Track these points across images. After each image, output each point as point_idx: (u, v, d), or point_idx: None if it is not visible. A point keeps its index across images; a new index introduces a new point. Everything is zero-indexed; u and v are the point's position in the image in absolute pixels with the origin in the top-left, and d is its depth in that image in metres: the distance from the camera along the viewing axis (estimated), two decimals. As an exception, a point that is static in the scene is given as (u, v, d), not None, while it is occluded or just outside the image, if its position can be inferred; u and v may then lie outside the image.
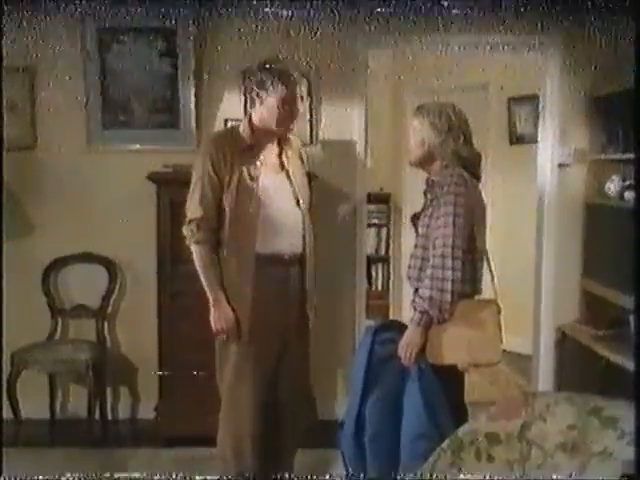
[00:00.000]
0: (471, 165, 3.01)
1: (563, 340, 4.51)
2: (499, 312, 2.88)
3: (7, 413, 4.16)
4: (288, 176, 3.25)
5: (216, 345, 3.31)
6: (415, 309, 2.86)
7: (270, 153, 3.24)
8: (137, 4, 4.20)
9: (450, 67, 5.75)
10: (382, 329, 3.09)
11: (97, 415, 4.30)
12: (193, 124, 4.37)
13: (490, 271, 3.00)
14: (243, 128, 3.22)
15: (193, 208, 3.14)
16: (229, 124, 4.21)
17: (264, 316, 3.13)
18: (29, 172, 4.42)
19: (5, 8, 4.17)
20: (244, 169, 3.12)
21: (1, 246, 3.87)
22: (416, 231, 3.05)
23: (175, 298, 4.07)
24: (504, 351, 2.88)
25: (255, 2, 4.27)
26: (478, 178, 3.04)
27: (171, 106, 4.37)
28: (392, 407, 2.90)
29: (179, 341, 4.06)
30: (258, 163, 3.17)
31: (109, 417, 4.45)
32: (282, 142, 3.28)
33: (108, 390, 4.48)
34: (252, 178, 3.12)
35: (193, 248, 3.17)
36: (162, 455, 3.97)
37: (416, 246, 3.00)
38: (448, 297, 2.76)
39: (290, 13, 4.28)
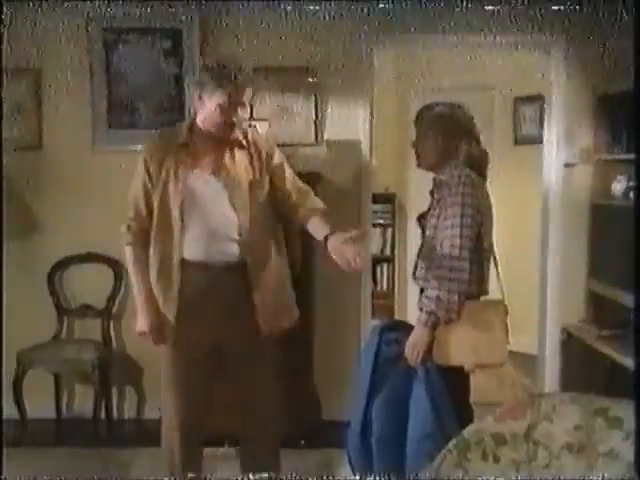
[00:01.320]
0: (479, 165, 2.99)
1: (568, 340, 4.51)
2: (506, 313, 2.87)
3: (13, 412, 4.18)
4: (224, 180, 2.97)
5: None
6: (422, 309, 2.84)
7: (208, 154, 2.99)
8: (142, 5, 4.21)
9: (455, 67, 5.75)
10: (388, 329, 3.09)
11: (103, 415, 4.31)
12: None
13: (497, 272, 2.98)
14: (183, 126, 3.05)
15: (128, 211, 3.02)
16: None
17: (191, 324, 2.98)
18: (35, 172, 4.43)
19: (11, 9, 4.21)
20: (173, 169, 2.94)
21: (1, 246, 3.88)
22: (422, 231, 3.03)
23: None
24: (510, 351, 2.88)
25: (260, 1, 4.28)
26: (485, 177, 3.02)
27: (176, 106, 4.38)
28: (398, 407, 2.89)
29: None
30: (189, 163, 2.96)
31: (115, 417, 4.45)
32: (229, 144, 3.02)
33: (114, 390, 4.48)
34: (179, 179, 2.92)
35: (125, 249, 3.05)
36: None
37: (422, 246, 2.99)
38: (455, 298, 2.75)
39: (295, 12, 4.29)
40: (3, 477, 2.20)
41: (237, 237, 2.95)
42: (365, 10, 4.29)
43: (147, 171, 2.96)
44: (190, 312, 2.96)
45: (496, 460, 2.03)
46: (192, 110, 3.04)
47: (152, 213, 2.97)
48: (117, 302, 4.47)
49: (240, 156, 3.02)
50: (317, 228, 3.00)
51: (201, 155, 2.98)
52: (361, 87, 4.42)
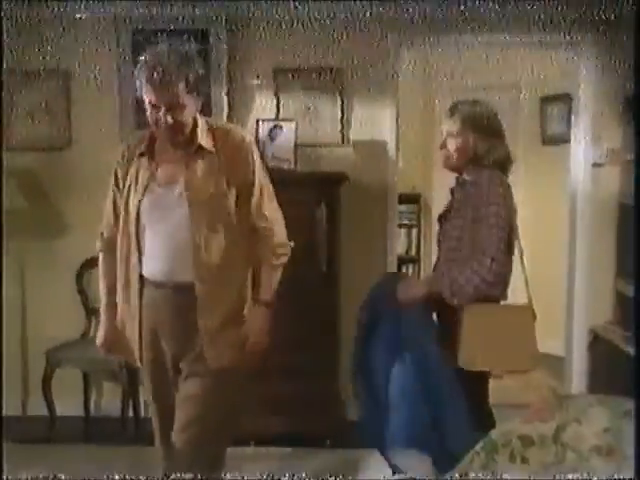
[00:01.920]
0: (504, 165, 2.98)
1: (595, 341, 4.48)
2: (534, 318, 2.86)
3: (42, 410, 4.23)
4: (182, 192, 2.59)
5: None
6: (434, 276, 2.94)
7: (167, 162, 2.64)
8: (170, 6, 4.24)
9: (482, 67, 5.73)
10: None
11: (130, 413, 4.34)
12: (224, 125, 4.39)
13: (524, 276, 2.96)
14: (146, 132, 2.70)
15: (103, 219, 2.85)
16: (261, 124, 4.22)
17: (150, 342, 2.70)
18: (63, 172, 4.48)
19: (39, 10, 4.26)
20: (134, 179, 2.65)
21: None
22: (441, 230, 3.04)
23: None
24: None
25: (286, 2, 4.30)
26: (507, 177, 3.01)
27: (204, 107, 4.37)
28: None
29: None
30: (147, 173, 2.64)
31: (142, 415, 4.47)
32: (191, 149, 2.61)
33: (141, 388, 4.51)
34: (137, 190, 2.63)
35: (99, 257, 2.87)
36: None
37: (442, 245, 3.00)
38: (471, 290, 2.72)
39: (322, 13, 4.30)
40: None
41: (190, 257, 2.58)
42: (392, 10, 4.29)
43: (115, 179, 2.74)
44: (148, 330, 2.69)
45: (524, 461, 2.01)
46: None
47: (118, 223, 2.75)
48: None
49: (204, 163, 2.61)
50: (259, 280, 2.74)
51: (160, 164, 2.64)
52: (387, 87, 4.41)
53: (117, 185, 2.73)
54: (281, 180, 4.11)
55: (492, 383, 2.97)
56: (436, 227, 3.17)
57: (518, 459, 2.02)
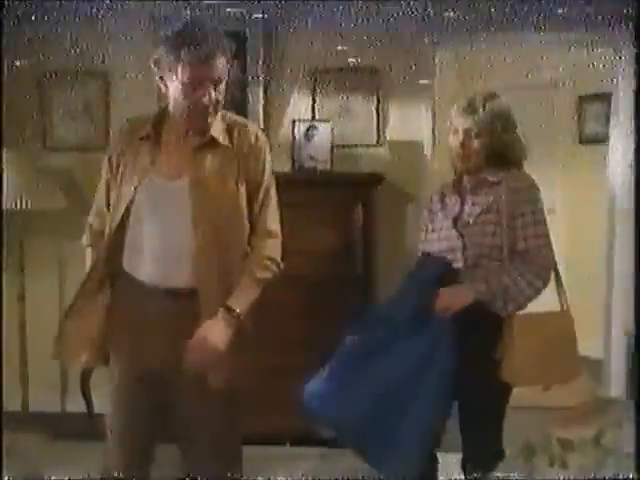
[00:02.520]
0: (521, 161, 2.85)
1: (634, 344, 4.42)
2: (572, 324, 2.78)
3: (81, 407, 4.28)
4: (188, 187, 2.34)
5: None
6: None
7: (173, 152, 2.38)
8: (208, 8, 4.26)
9: (518, 65, 5.69)
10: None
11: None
12: (261, 125, 4.40)
13: (559, 281, 2.82)
14: (153, 113, 2.44)
15: (91, 210, 2.60)
16: (297, 125, 4.23)
17: (143, 354, 2.38)
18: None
19: (77, 11, 4.31)
20: (130, 167, 2.37)
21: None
22: (462, 236, 2.74)
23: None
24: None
25: (323, 1, 4.30)
26: None
27: (239, 107, 4.41)
28: None
29: (246, 339, 4.08)
30: (147, 161, 2.35)
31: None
32: (202, 140, 2.37)
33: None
34: (132, 179, 2.35)
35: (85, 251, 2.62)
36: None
37: (469, 252, 2.72)
38: (523, 301, 2.64)
39: (357, 13, 4.29)
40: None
41: (191, 260, 2.33)
42: (427, 9, 4.27)
43: (109, 163, 2.44)
44: (143, 340, 2.37)
45: (564, 466, 2.00)
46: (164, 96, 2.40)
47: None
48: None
49: (214, 157, 2.37)
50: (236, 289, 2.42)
51: (164, 153, 2.37)
52: (423, 87, 4.39)
53: (111, 171, 2.43)
54: (317, 181, 4.16)
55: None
56: (452, 232, 2.80)
57: (557, 463, 2.01)
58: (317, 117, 4.36)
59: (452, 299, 2.64)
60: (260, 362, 4.02)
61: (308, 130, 4.20)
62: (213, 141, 2.36)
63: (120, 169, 2.39)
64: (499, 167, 2.76)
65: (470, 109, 2.76)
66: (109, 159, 2.44)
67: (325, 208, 4.06)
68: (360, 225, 4.01)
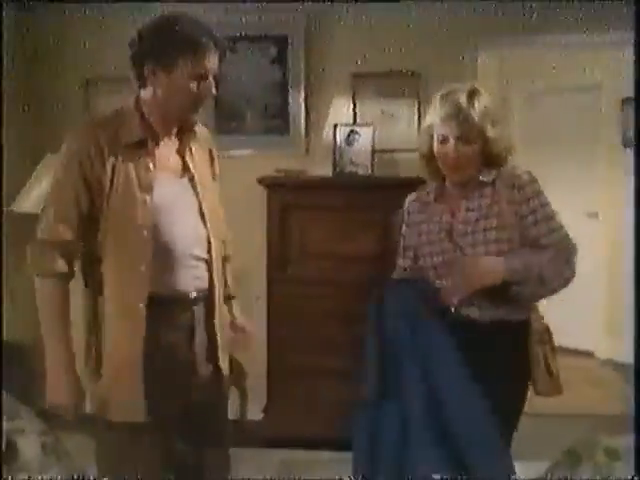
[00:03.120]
0: (506, 157, 2.50)
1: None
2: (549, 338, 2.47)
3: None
4: (192, 182, 2.30)
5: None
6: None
7: (167, 150, 2.28)
8: (251, 13, 4.30)
9: (561, 67, 5.64)
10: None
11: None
12: (302, 130, 4.44)
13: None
14: (129, 115, 2.23)
15: (53, 226, 2.16)
16: (338, 129, 4.23)
17: (163, 383, 2.21)
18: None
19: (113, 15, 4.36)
20: (131, 173, 2.17)
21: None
22: (457, 246, 2.44)
23: (284, 301, 4.12)
24: (612, 361, 2.72)
25: (363, 6, 4.31)
26: None
27: (281, 112, 4.45)
28: None
29: (288, 343, 4.12)
30: (151, 165, 2.21)
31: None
32: (185, 134, 2.31)
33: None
34: (143, 187, 2.17)
35: (41, 282, 2.17)
36: (268, 456, 4.02)
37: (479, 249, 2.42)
38: (563, 282, 2.42)
39: (399, 16, 4.30)
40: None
41: (206, 257, 2.30)
42: (468, 12, 4.26)
43: (86, 178, 2.15)
44: (163, 367, 2.22)
45: (609, 476, 1.97)
46: (141, 92, 2.26)
47: (90, 236, 2.19)
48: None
49: (197, 152, 2.36)
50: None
51: (163, 151, 2.27)
52: (464, 91, 4.36)
53: (89, 186, 2.16)
54: (358, 185, 4.17)
55: (568, 393, 2.76)
56: (447, 244, 2.48)
57: (603, 472, 1.98)
58: (358, 122, 4.36)
59: (476, 272, 2.36)
60: (299, 364, 4.08)
61: (349, 135, 4.22)
62: (194, 135, 2.34)
63: (111, 181, 2.16)
64: (488, 166, 2.47)
65: (458, 113, 2.42)
66: (85, 174, 2.15)
67: (366, 212, 4.07)
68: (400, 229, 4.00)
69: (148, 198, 2.18)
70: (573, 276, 2.43)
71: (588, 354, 5.91)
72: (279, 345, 4.15)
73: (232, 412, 4.56)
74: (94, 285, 2.21)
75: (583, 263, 6.33)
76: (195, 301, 2.29)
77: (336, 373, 4.03)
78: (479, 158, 2.44)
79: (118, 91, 4.41)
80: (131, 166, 2.18)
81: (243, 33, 4.36)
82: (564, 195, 5.83)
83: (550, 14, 4.22)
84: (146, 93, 2.22)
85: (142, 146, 2.21)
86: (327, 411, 4.01)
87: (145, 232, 2.16)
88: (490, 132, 2.41)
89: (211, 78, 2.20)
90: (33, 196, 4.05)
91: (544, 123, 5.99)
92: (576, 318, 5.63)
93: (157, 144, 2.25)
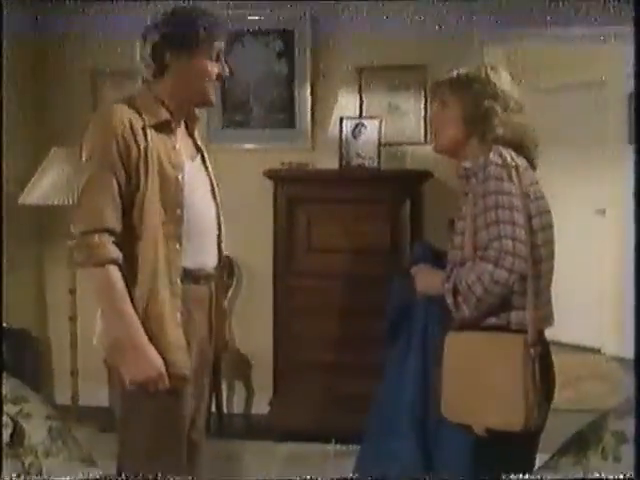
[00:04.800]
0: (520, 145, 2.24)
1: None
2: (532, 352, 2.07)
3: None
4: (204, 161, 2.44)
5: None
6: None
7: (180, 133, 2.36)
8: (257, 7, 4.31)
9: (566, 63, 5.64)
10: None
11: (213, 408, 4.40)
12: (308, 123, 4.44)
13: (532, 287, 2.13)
14: (147, 100, 2.26)
15: (98, 213, 2.14)
16: (345, 123, 4.23)
17: (196, 353, 2.35)
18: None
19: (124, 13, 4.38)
20: (162, 153, 2.22)
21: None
22: (451, 240, 2.26)
23: (290, 294, 4.12)
24: (618, 357, 2.67)
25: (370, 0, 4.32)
26: (533, 164, 2.28)
27: (287, 105, 4.46)
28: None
29: (293, 337, 4.11)
30: (177, 145, 2.29)
31: (224, 410, 4.53)
32: (190, 117, 2.42)
33: (224, 384, 4.57)
34: (174, 166, 2.24)
35: (98, 272, 2.15)
36: (275, 449, 4.02)
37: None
38: (470, 308, 2.10)
39: (405, 10, 4.30)
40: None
41: (217, 232, 2.42)
42: (475, 6, 4.26)
43: (121, 160, 2.17)
44: (194, 338, 2.34)
45: (617, 460, 1.96)
46: (147, 79, 2.30)
47: (130, 216, 2.20)
48: (228, 298, 4.55)
49: (197, 134, 2.48)
50: None
51: (180, 132, 2.36)
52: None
53: (128, 170, 2.18)
54: (365, 178, 4.17)
55: (576, 389, 2.69)
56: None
57: (610, 457, 1.97)
58: (365, 115, 4.36)
59: (420, 284, 2.32)
60: (305, 358, 4.08)
61: (356, 128, 4.22)
62: (198, 118, 2.45)
63: (146, 164, 2.19)
64: (476, 149, 2.24)
65: (435, 82, 2.43)
66: (123, 159, 2.16)
67: (373, 205, 4.07)
68: (408, 222, 4.00)
69: (180, 176, 2.24)
70: (486, 297, 2.06)
71: (595, 350, 5.91)
72: (285, 339, 4.15)
73: (238, 406, 4.64)
74: (130, 265, 2.20)
75: (591, 259, 6.37)
76: (212, 276, 2.39)
77: (342, 366, 4.03)
78: (453, 132, 2.28)
79: (124, 84, 4.49)
80: (161, 146, 2.22)
81: (249, 27, 4.37)
82: (571, 192, 5.84)
83: (557, 8, 4.21)
84: (162, 81, 2.27)
85: (166, 127, 2.26)
86: (333, 404, 4.01)
87: (178, 210, 2.23)
88: (461, 104, 2.26)
89: (223, 60, 2.32)
90: (40, 189, 4.06)
91: (551, 119, 5.98)
92: (583, 314, 5.62)
93: (177, 126, 2.32)
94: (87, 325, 4.08)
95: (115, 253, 2.14)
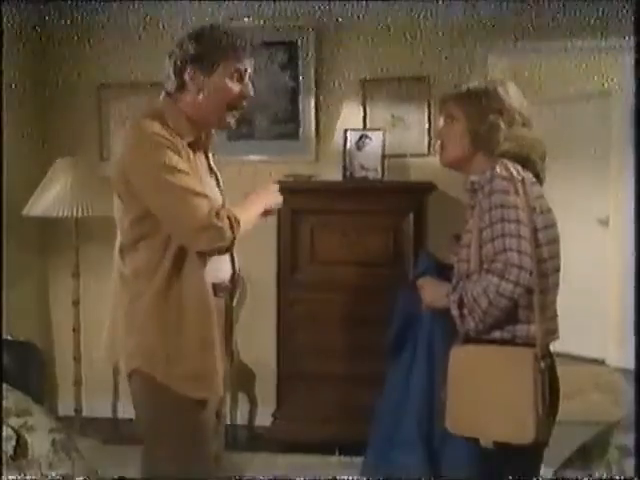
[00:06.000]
0: (527, 159, 2.27)
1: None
2: (542, 365, 2.09)
3: (131, 413, 4.31)
4: (217, 181, 2.46)
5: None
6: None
7: (201, 151, 2.40)
8: (262, 19, 4.33)
9: (571, 74, 5.64)
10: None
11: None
12: (312, 135, 4.45)
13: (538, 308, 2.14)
14: (176, 115, 2.29)
15: (205, 209, 2.16)
16: (349, 134, 4.25)
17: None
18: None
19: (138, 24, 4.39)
20: (196, 165, 2.31)
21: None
22: (457, 253, 2.31)
23: (294, 306, 4.11)
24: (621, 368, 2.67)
25: (373, 11, 4.33)
26: (539, 179, 2.30)
27: (291, 117, 4.47)
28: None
29: (297, 348, 4.11)
30: (199, 163, 2.34)
31: (227, 422, 4.51)
32: (206, 135, 2.42)
33: (227, 395, 4.55)
34: (202, 182, 2.28)
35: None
36: (278, 461, 4.01)
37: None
38: (475, 321, 2.14)
39: (409, 22, 4.32)
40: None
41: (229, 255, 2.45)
42: (478, 17, 4.27)
43: (188, 162, 2.24)
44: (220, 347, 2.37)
45: (621, 473, 1.96)
46: (173, 96, 2.32)
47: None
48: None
49: (211, 156, 2.49)
50: None
51: (199, 152, 2.38)
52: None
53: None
54: (368, 190, 4.17)
55: (579, 400, 2.69)
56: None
57: (615, 469, 1.97)
58: (368, 127, 4.38)
59: (426, 296, 2.36)
60: (308, 369, 4.07)
61: (359, 139, 4.22)
62: (212, 137, 2.46)
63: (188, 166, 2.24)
64: (488, 162, 2.26)
65: (443, 96, 2.43)
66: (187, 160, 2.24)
67: (376, 217, 4.07)
68: (411, 234, 4.00)
69: (208, 192, 2.25)
70: (491, 310, 2.09)
71: (599, 362, 5.89)
72: (289, 350, 4.14)
73: (241, 417, 4.63)
74: (169, 275, 2.23)
75: (594, 270, 6.36)
76: (228, 288, 2.44)
77: (345, 378, 4.03)
78: (459, 144, 2.31)
79: (130, 96, 4.52)
80: (190, 164, 2.23)
81: (255, 40, 4.37)
82: (574, 202, 5.84)
83: (559, 19, 4.23)
84: (185, 96, 2.30)
85: (195, 144, 2.31)
86: (336, 415, 4.01)
87: None
88: (466, 118, 2.28)
89: (247, 79, 2.33)
90: (44, 201, 4.07)
91: (554, 130, 5.99)
92: (587, 326, 5.61)
93: (199, 145, 2.35)
94: (90, 336, 4.16)
95: (230, 234, 2.19)
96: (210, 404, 2.32)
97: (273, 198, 2.46)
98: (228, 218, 2.18)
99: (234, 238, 2.20)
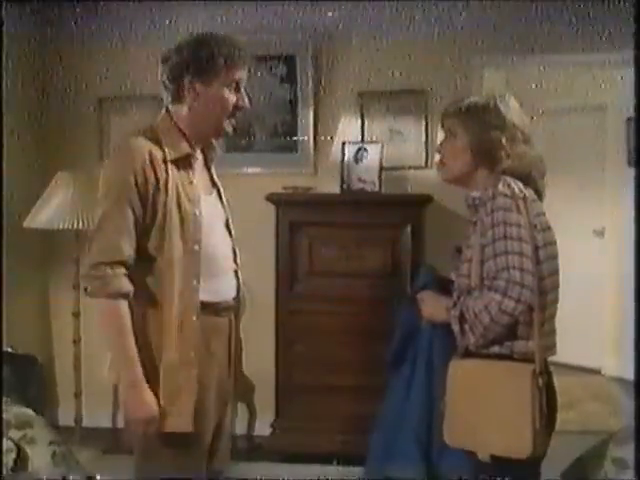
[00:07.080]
0: (528, 175, 2.29)
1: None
2: (540, 381, 2.11)
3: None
4: (219, 195, 2.43)
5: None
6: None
7: (198, 165, 2.34)
8: (260, 32, 4.35)
9: (566, 87, 5.67)
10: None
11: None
12: (311, 147, 4.48)
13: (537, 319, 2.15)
14: (168, 131, 2.26)
15: (114, 245, 2.12)
16: (347, 147, 4.27)
17: (208, 391, 2.29)
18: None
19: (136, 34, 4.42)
20: (179, 188, 2.20)
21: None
22: (458, 267, 2.32)
23: (292, 317, 4.13)
24: (617, 377, 2.69)
25: (371, 25, 4.37)
26: (539, 194, 2.33)
27: (290, 130, 4.49)
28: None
29: (296, 359, 4.13)
30: (195, 180, 2.27)
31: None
32: (208, 148, 2.41)
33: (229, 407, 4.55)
34: (192, 201, 2.22)
35: (108, 304, 2.13)
36: (277, 471, 4.02)
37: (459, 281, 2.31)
38: (476, 336, 2.17)
39: (406, 36, 4.36)
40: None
41: (235, 266, 2.42)
42: (475, 31, 4.30)
43: (138, 193, 2.14)
44: (208, 374, 2.28)
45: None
46: (167, 108, 2.31)
47: (146, 249, 2.19)
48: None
49: (213, 168, 2.47)
50: None
51: (196, 167, 2.33)
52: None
53: (144, 203, 2.16)
54: (366, 202, 4.19)
55: (576, 410, 2.71)
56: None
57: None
58: (366, 139, 4.40)
59: (426, 310, 2.40)
60: (307, 380, 4.09)
61: (357, 152, 4.24)
62: (215, 149, 2.43)
63: (165, 197, 2.17)
64: (488, 179, 2.28)
65: (444, 111, 2.41)
66: (140, 192, 2.14)
67: (374, 229, 4.09)
68: (409, 246, 4.02)
69: (197, 212, 2.22)
70: (492, 326, 2.12)
71: (595, 372, 5.92)
72: (287, 361, 4.15)
73: (240, 427, 4.63)
74: (144, 299, 2.19)
75: (590, 280, 6.38)
76: (231, 309, 2.38)
77: (344, 389, 4.05)
78: (460, 161, 2.31)
79: (130, 109, 4.54)
80: (178, 181, 2.21)
81: (253, 52, 4.40)
82: (571, 213, 5.87)
83: (556, 33, 4.26)
84: (181, 108, 2.27)
85: (185, 161, 2.26)
86: (335, 426, 4.02)
87: (196, 246, 2.21)
88: (468, 134, 2.28)
89: (243, 90, 2.30)
90: (45, 213, 4.09)
91: (550, 142, 6.03)
92: (583, 335, 5.63)
93: (195, 159, 2.31)
94: (90, 348, 4.17)
95: (127, 287, 2.13)
96: (201, 418, 2.24)
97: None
98: (121, 274, 2.12)
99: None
